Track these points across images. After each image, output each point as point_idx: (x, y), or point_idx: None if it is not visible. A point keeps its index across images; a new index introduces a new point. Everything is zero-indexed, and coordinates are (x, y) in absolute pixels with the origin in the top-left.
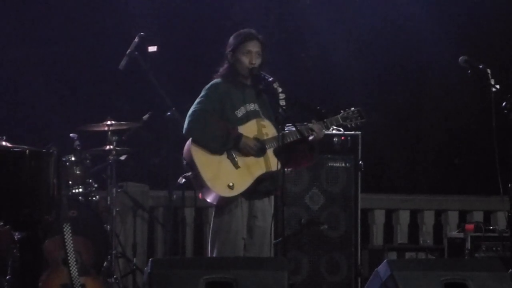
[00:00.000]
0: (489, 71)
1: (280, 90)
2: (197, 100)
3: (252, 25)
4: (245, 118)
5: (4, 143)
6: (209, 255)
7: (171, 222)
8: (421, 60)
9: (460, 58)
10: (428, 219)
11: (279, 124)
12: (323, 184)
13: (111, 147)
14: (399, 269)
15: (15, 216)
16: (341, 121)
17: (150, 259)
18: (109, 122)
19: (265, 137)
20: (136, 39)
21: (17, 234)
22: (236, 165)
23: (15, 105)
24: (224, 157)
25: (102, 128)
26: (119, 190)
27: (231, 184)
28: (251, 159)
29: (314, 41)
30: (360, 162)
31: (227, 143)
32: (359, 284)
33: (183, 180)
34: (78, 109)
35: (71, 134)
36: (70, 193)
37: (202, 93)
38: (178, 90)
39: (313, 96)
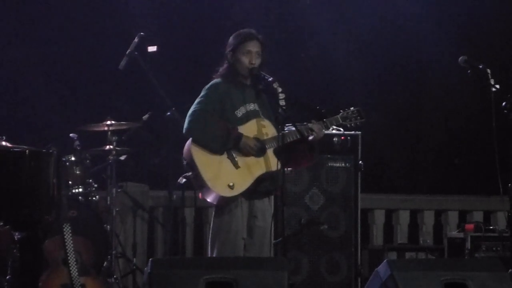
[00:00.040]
0: (489, 71)
1: (280, 90)
2: (197, 100)
3: (252, 25)
4: (245, 118)
5: (4, 143)
6: (209, 255)
7: (171, 222)
8: (421, 60)
9: (460, 58)
10: (428, 219)
11: (279, 124)
12: (323, 184)
13: (111, 147)
14: (399, 269)
15: (15, 216)
16: (340, 121)
17: (150, 259)
18: (109, 122)
19: (265, 137)
20: (136, 39)
21: (17, 234)
22: (236, 165)
23: (15, 105)
24: (224, 157)
25: (102, 128)
26: (119, 190)
27: (231, 184)
28: (251, 159)
29: (314, 41)
30: (360, 162)
31: (227, 143)
32: (359, 284)
33: (184, 180)
34: (78, 109)
35: (71, 134)
36: (70, 193)
37: (202, 93)
38: (178, 90)
39: (313, 96)
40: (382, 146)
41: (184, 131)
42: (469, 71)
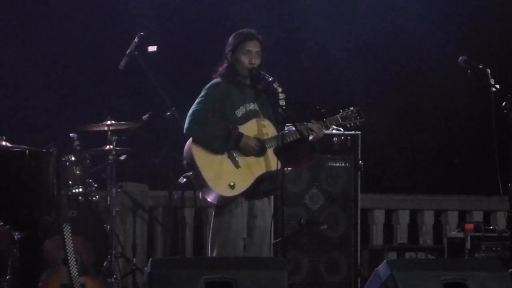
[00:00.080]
0: (489, 71)
1: (279, 90)
2: (197, 100)
3: (252, 25)
4: (245, 118)
5: (4, 143)
6: (209, 255)
7: (171, 222)
8: (421, 60)
9: (460, 58)
10: (428, 219)
11: (279, 124)
12: (323, 184)
13: (111, 147)
14: (399, 269)
15: (15, 216)
16: (340, 121)
17: (150, 259)
18: (109, 122)
19: (265, 137)
20: (136, 39)
21: (17, 234)
22: (237, 165)
23: (15, 105)
24: (225, 156)
25: (102, 128)
26: (118, 190)
27: (232, 184)
28: (251, 159)
29: (314, 41)
30: (360, 162)
31: (228, 143)
32: (359, 284)
33: (184, 179)
34: (78, 109)
35: (71, 134)
36: (70, 193)
37: (202, 93)
38: (178, 90)
39: (313, 96)
40: (382, 146)
41: (184, 131)
42: (469, 71)
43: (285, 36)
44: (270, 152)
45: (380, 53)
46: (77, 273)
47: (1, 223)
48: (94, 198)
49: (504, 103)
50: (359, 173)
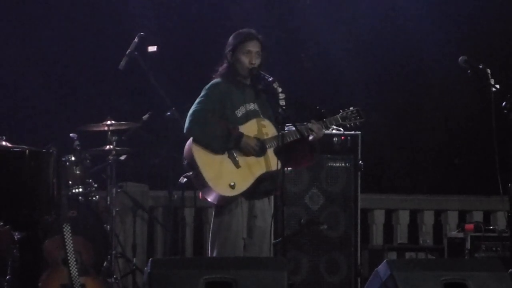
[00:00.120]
0: (489, 71)
1: (279, 90)
2: (198, 99)
3: (252, 25)
4: (245, 118)
5: (4, 143)
6: (209, 255)
7: (171, 222)
8: (421, 60)
9: (460, 58)
10: (428, 219)
11: (279, 124)
12: (323, 184)
13: (111, 147)
14: (399, 269)
15: (15, 216)
16: (340, 121)
17: (150, 259)
18: (109, 122)
19: (265, 137)
20: (136, 39)
21: (17, 234)
22: (237, 165)
23: (15, 105)
24: (225, 156)
25: (102, 128)
26: (118, 190)
27: (232, 184)
28: (252, 159)
29: (314, 41)
30: (360, 162)
31: (228, 143)
32: (359, 284)
33: (185, 179)
34: (78, 109)
35: (71, 134)
36: (70, 193)
37: (202, 93)
38: (178, 90)
39: (313, 96)
40: (382, 146)
41: (184, 131)
42: (469, 71)
43: (285, 36)
44: (270, 152)
45: (380, 53)
46: (77, 273)
47: (1, 223)
48: (94, 198)
49: (504, 103)
50: (359, 173)
